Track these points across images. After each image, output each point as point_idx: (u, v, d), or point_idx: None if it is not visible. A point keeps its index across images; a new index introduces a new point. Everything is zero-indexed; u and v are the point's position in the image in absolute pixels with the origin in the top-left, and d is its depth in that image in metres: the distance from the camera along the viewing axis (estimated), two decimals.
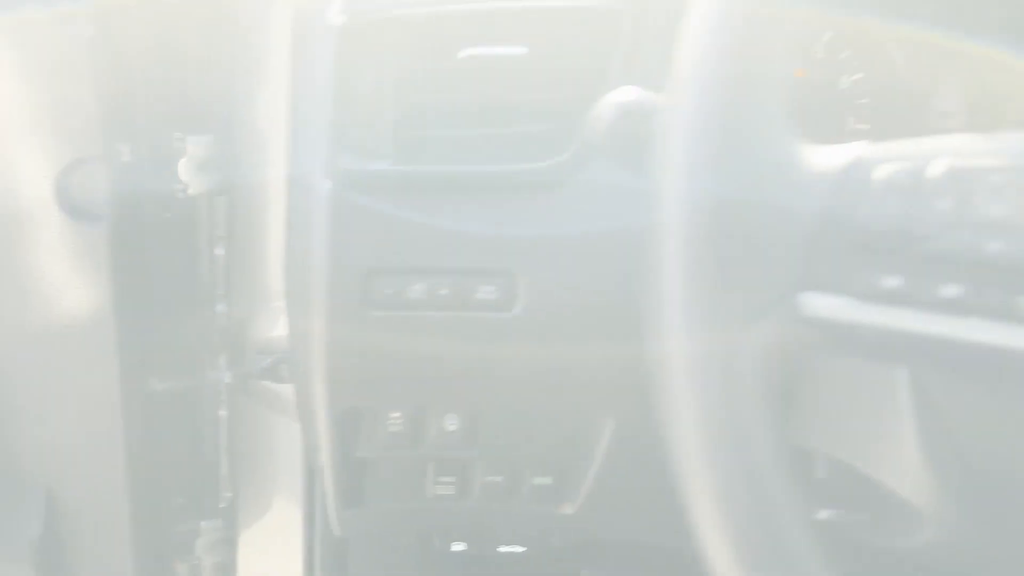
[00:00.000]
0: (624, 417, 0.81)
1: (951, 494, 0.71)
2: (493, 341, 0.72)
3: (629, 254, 0.54)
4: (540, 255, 0.72)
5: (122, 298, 0.91)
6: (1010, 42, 0.87)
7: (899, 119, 0.88)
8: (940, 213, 0.42)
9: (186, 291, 0.91)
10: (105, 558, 0.95)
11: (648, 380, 0.47)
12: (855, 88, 0.87)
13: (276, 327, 0.98)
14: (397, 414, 0.79)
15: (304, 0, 0.69)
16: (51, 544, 0.98)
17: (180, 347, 0.92)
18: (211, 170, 0.88)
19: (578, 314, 0.73)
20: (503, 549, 1.06)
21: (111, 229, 0.88)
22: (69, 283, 0.91)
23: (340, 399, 0.73)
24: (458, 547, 1.03)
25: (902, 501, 0.77)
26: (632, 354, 0.49)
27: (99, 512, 0.99)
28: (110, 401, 0.92)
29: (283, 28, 0.75)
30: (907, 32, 0.89)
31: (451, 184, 0.70)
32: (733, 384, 0.42)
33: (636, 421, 0.82)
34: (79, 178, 0.88)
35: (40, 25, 0.84)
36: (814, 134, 0.85)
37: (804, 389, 0.58)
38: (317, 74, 0.67)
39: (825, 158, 0.46)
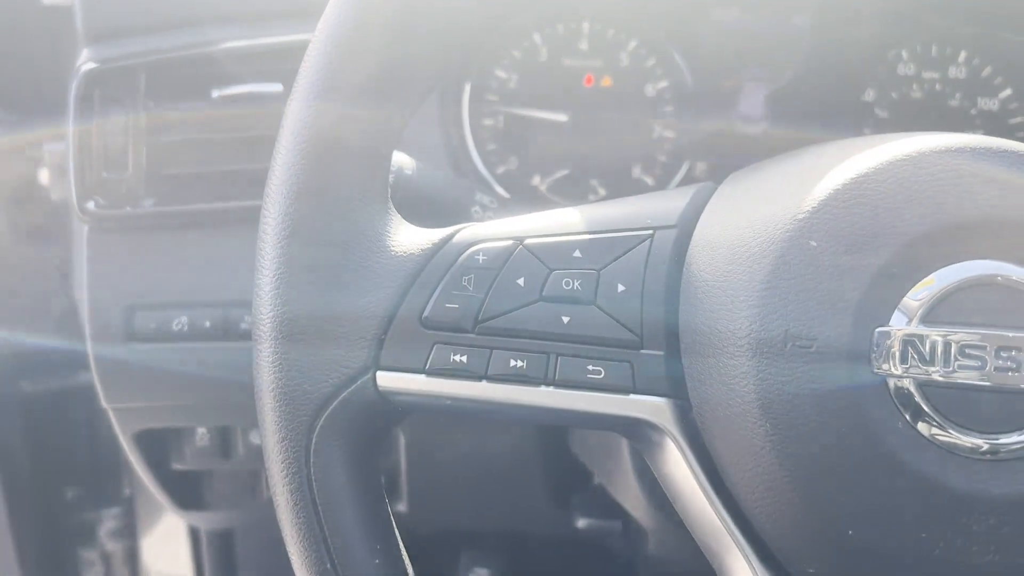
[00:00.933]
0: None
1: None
2: None
3: None
4: None
5: None
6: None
7: (705, 125, 0.87)
8: (518, 291, 0.43)
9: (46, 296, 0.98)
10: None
11: None
12: (660, 96, 0.87)
13: None
14: (203, 431, 0.85)
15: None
16: None
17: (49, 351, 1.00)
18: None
19: None
20: None
21: None
22: None
23: (128, 424, 0.79)
24: None
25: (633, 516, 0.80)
26: None
27: None
28: None
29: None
30: (711, 37, 0.88)
31: (207, 220, 0.74)
32: (320, 455, 0.44)
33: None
34: None
35: None
36: (619, 146, 0.86)
37: None
38: (70, 120, 0.72)
39: (417, 239, 0.47)
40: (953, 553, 0.38)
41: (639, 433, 0.44)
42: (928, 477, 0.38)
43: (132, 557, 1.18)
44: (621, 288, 0.42)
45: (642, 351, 0.42)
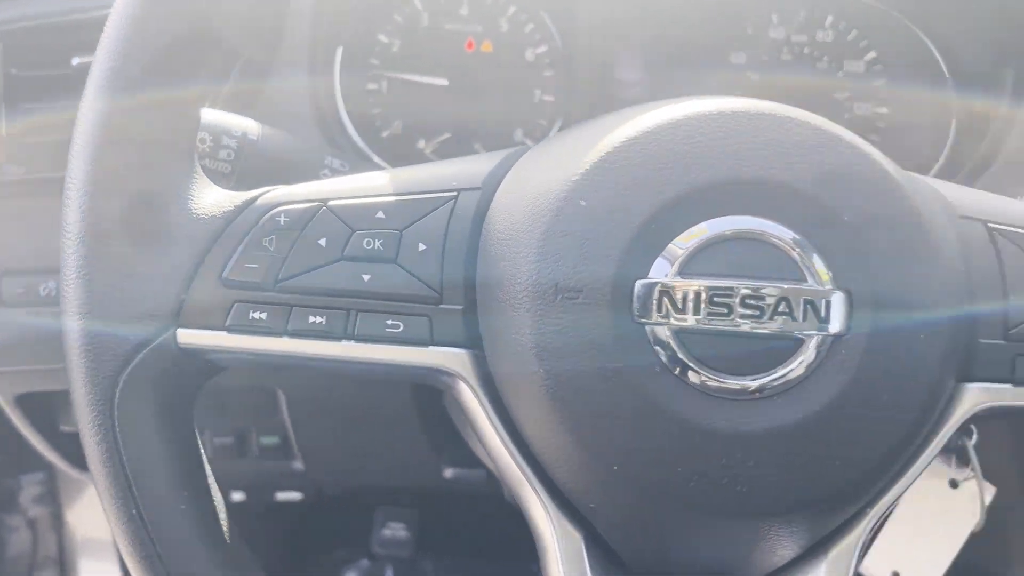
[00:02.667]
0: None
1: None
2: None
3: None
4: None
5: None
6: None
7: (582, 90, 0.89)
8: (319, 251, 0.46)
9: None
10: None
11: None
12: (540, 60, 0.89)
13: None
14: None
15: None
16: None
17: None
18: None
19: None
20: (281, 497, 1.15)
21: None
22: None
23: (6, 387, 0.81)
24: (238, 496, 1.12)
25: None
26: None
27: None
28: None
29: None
30: (588, 3, 0.90)
31: None
32: (125, 408, 0.46)
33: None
34: None
35: None
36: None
37: None
38: None
39: (221, 200, 0.48)
40: (707, 486, 0.42)
41: (442, 383, 0.47)
42: (684, 417, 0.41)
43: (57, 522, 1.20)
44: (422, 247, 0.45)
45: (441, 306, 0.45)
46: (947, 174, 0.83)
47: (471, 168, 0.48)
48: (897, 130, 0.89)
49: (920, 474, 0.46)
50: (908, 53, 0.87)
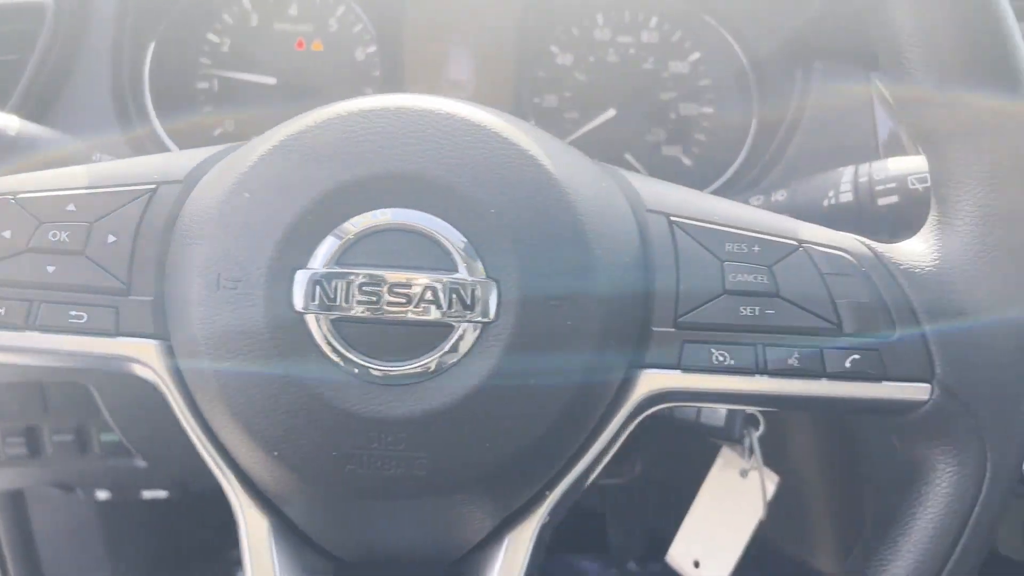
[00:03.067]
0: None
1: None
2: None
3: None
4: None
5: None
6: None
7: (412, 90, 0.90)
8: (3, 243, 0.46)
9: None
10: None
11: None
12: (370, 60, 0.90)
13: None
14: None
15: None
16: None
17: None
18: None
19: None
20: (147, 494, 1.15)
21: None
22: None
23: None
24: (102, 495, 1.12)
25: None
26: None
27: None
28: None
29: None
30: (418, 4, 0.91)
31: None
32: None
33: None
34: None
35: None
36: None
37: None
38: None
39: None
40: (360, 470, 0.43)
41: (134, 373, 0.47)
42: (336, 403, 0.42)
43: None
44: (112, 239, 0.46)
45: (129, 297, 0.46)
46: (744, 171, 0.85)
47: (176, 162, 0.49)
48: (722, 129, 0.91)
49: (600, 457, 0.47)
50: (725, 54, 0.89)
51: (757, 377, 0.46)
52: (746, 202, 0.70)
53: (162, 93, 0.87)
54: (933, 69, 0.46)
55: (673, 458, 0.88)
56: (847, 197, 0.63)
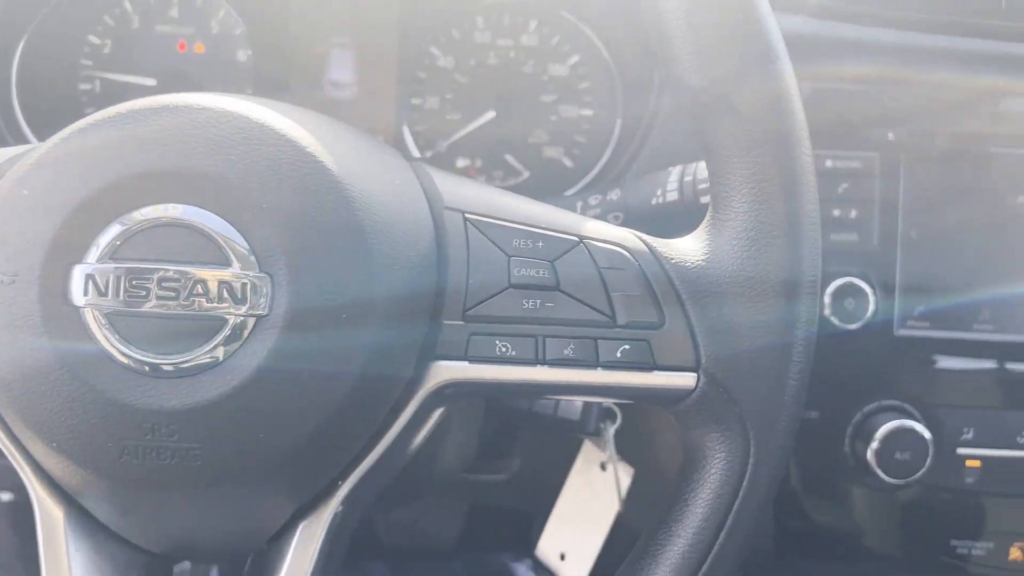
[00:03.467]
0: None
1: None
2: None
3: None
4: None
5: None
6: None
7: (295, 91, 0.91)
8: None
9: None
10: None
11: None
12: (250, 63, 0.91)
13: None
14: None
15: None
16: None
17: None
18: None
19: None
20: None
21: None
22: None
23: None
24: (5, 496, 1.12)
25: None
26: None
27: None
28: None
29: None
30: (298, 6, 0.92)
31: None
32: None
33: None
34: None
35: None
36: None
37: None
38: None
39: None
40: (137, 460, 0.44)
41: None
42: (110, 395, 0.43)
43: None
44: None
45: None
46: (607, 171, 0.87)
47: None
48: (600, 131, 0.93)
49: (398, 446, 0.48)
50: (600, 57, 0.91)
51: (537, 367, 0.47)
52: (586, 201, 0.72)
53: (39, 94, 0.87)
54: (700, 70, 0.48)
55: (549, 453, 0.89)
56: (673, 196, 0.65)
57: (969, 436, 0.76)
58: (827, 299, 0.74)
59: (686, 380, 0.48)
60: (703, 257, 0.48)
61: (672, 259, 0.48)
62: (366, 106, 0.93)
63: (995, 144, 0.77)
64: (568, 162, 0.93)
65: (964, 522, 0.79)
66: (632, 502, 0.80)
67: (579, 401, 0.74)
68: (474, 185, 0.52)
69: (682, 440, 0.51)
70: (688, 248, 0.49)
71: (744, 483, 0.48)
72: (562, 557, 0.80)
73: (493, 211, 0.49)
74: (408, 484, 0.90)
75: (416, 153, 0.92)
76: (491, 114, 0.92)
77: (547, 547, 0.81)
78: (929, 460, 0.74)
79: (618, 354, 0.47)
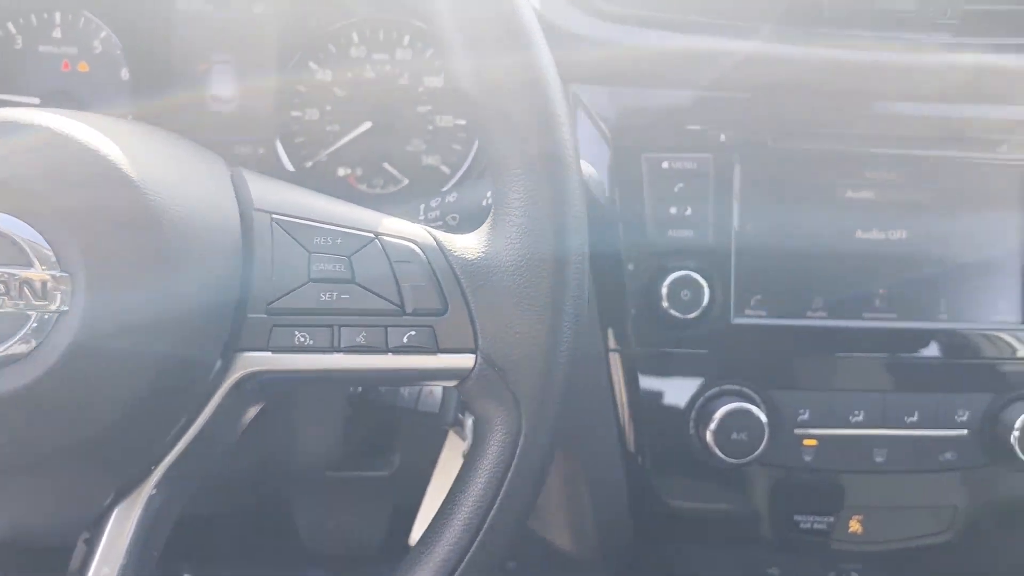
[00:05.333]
0: None
1: None
2: None
3: None
4: None
5: None
6: None
7: (178, 106, 0.95)
8: None
9: None
10: None
11: None
12: (132, 81, 0.94)
13: None
14: None
15: None
16: None
17: None
18: None
19: None
20: None
21: None
22: None
23: None
24: None
25: None
26: None
27: None
28: None
29: None
30: (180, 25, 0.96)
31: None
32: None
33: None
34: None
35: None
36: None
37: None
38: None
39: None
40: None
41: None
42: None
43: None
44: None
45: None
46: (468, 175, 0.92)
47: None
48: (474, 140, 0.97)
49: (208, 433, 0.52)
50: None
51: (333, 355, 0.52)
52: (428, 204, 0.76)
53: None
54: (471, 78, 0.53)
55: (428, 446, 0.93)
56: None
57: (805, 417, 0.81)
58: (664, 291, 0.79)
59: (466, 361, 0.53)
60: (483, 250, 0.53)
61: (456, 252, 0.53)
62: (247, 120, 0.97)
63: (825, 142, 0.83)
64: (446, 169, 0.98)
65: (806, 498, 0.84)
66: None
67: (438, 393, 0.78)
68: (286, 188, 0.56)
69: (473, 416, 0.55)
70: (471, 242, 0.54)
71: (516, 454, 0.53)
72: None
73: (299, 211, 0.53)
74: (268, 477, 0.94)
75: (290, 167, 0.95)
76: (367, 124, 0.97)
77: (418, 534, 0.84)
78: (765, 440, 0.79)
79: (405, 339, 0.52)
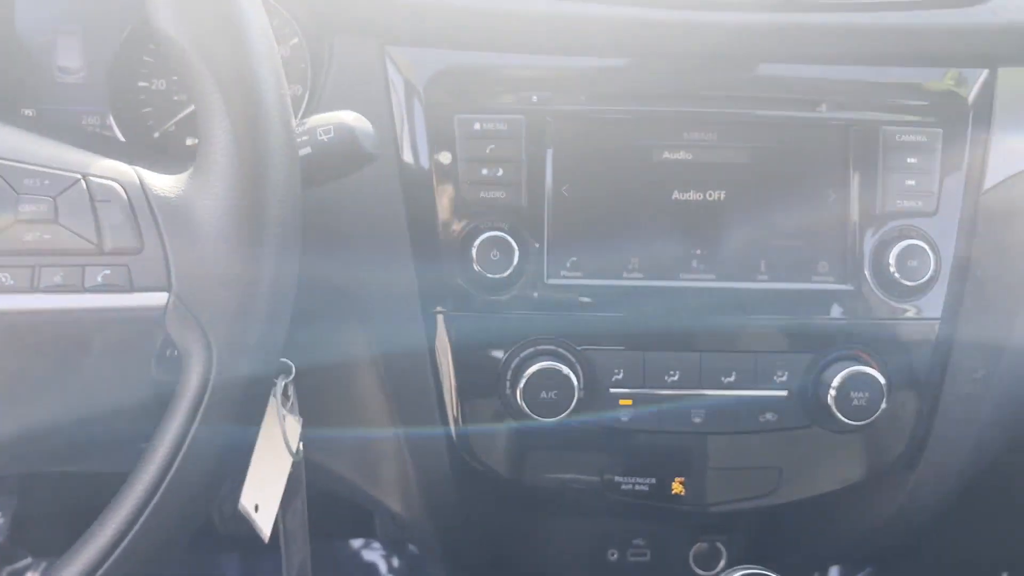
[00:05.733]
0: None
1: None
2: None
3: None
4: None
5: None
6: None
7: (24, 80, 0.95)
8: None
9: None
10: None
11: None
12: None
13: None
14: None
15: None
16: None
17: None
18: None
19: None
20: None
21: None
22: None
23: None
24: None
25: None
26: None
27: None
28: None
29: None
30: None
31: None
32: None
33: None
34: None
35: None
36: None
37: None
38: None
39: None
40: None
41: None
42: None
43: None
44: None
45: None
46: None
47: None
48: None
49: None
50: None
51: (33, 294, 0.52)
52: None
53: None
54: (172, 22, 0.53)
55: None
56: None
57: (620, 376, 0.81)
58: (474, 252, 0.79)
59: (159, 300, 0.53)
60: (183, 190, 0.53)
61: (158, 192, 0.54)
62: (94, 90, 0.97)
63: (640, 103, 0.83)
64: None
65: (626, 459, 0.84)
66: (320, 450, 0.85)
67: None
68: (3, 130, 0.57)
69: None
70: (174, 182, 0.54)
71: (204, 399, 0.53)
72: (256, 508, 0.84)
73: (12, 154, 0.54)
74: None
75: (121, 137, 0.95)
76: None
77: (247, 499, 0.85)
78: (576, 399, 0.79)
79: (99, 279, 0.52)
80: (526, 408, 0.79)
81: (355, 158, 0.65)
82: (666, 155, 0.83)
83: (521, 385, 0.79)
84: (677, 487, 0.85)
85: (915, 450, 0.87)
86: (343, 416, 0.88)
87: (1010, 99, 0.86)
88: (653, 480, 0.84)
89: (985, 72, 0.86)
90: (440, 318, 0.82)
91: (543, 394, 0.78)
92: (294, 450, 0.82)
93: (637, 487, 0.84)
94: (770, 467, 0.85)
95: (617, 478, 0.84)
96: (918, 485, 0.89)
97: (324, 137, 0.68)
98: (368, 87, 0.82)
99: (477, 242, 0.79)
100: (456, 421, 0.83)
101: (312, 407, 0.86)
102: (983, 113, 0.85)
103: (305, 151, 0.68)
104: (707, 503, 0.85)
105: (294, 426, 0.81)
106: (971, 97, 0.85)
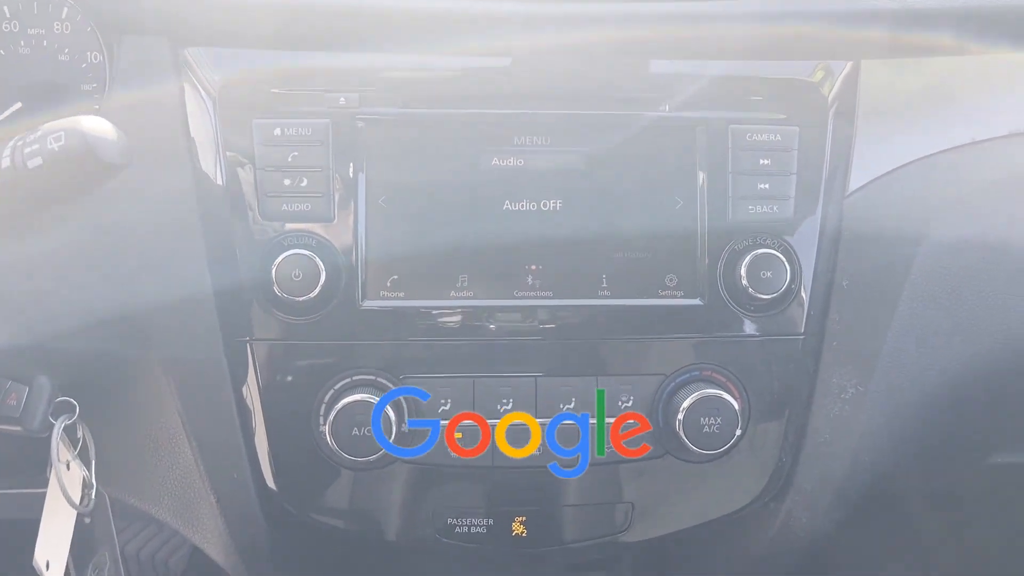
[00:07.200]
0: None
1: None
2: None
3: None
4: None
5: None
6: None
7: None
8: None
9: None
10: None
11: None
12: None
13: None
14: None
15: None
16: None
17: None
18: None
19: None
20: None
21: None
22: None
23: None
24: None
25: None
26: None
27: None
28: None
29: None
30: None
31: None
32: None
33: None
34: None
35: None
36: None
37: None
38: None
39: None
40: None
41: None
42: None
43: None
44: None
45: None
46: None
47: None
48: None
49: None
50: None
51: None
52: None
53: None
54: None
55: None
56: (6, 163, 0.61)
57: (447, 407, 0.73)
58: (273, 273, 0.71)
59: None
60: None
61: None
62: None
63: (464, 105, 0.75)
64: None
65: (460, 499, 0.76)
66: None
67: (20, 392, 0.70)
68: None
69: None
70: None
71: None
72: (47, 566, 0.75)
73: None
74: None
75: None
76: (18, 105, 0.88)
77: (39, 555, 0.75)
78: (394, 435, 0.70)
79: None
80: (335, 446, 0.70)
81: (92, 169, 0.57)
82: (495, 161, 0.75)
83: (331, 420, 0.70)
84: (517, 527, 0.76)
85: (782, 479, 0.79)
86: (148, 458, 0.79)
87: (875, 94, 0.79)
88: (491, 521, 0.76)
89: (848, 65, 0.79)
90: (248, 348, 0.73)
91: (354, 431, 0.70)
92: (76, 501, 0.73)
93: (473, 529, 0.76)
94: (621, 502, 0.77)
95: (450, 520, 0.76)
96: (790, 516, 0.81)
97: (54, 145, 0.59)
98: (160, 91, 0.74)
99: (277, 261, 0.70)
100: (267, 462, 0.74)
101: (115, 450, 0.77)
102: (845, 110, 0.78)
103: (35, 162, 0.60)
104: (551, 543, 0.77)
105: (76, 473, 0.73)
106: (831, 92, 0.78)
